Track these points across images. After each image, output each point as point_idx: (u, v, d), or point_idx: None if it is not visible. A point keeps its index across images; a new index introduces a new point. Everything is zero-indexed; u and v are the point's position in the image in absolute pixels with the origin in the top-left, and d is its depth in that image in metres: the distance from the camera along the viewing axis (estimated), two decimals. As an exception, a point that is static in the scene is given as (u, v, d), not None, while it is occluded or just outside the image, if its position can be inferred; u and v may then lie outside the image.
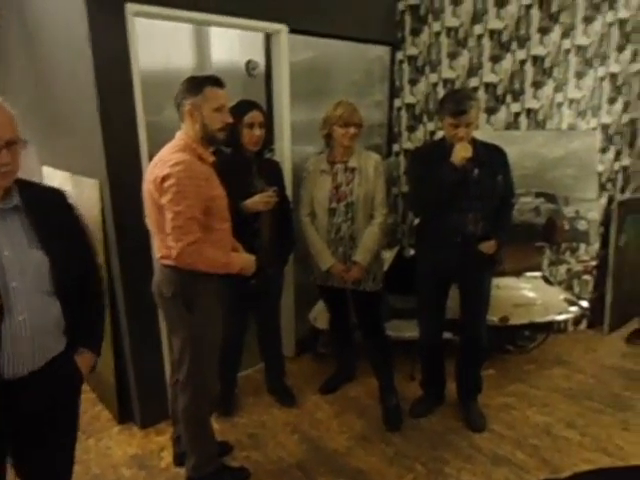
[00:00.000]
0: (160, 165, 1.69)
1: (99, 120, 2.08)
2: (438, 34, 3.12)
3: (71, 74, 2.24)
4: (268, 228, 2.31)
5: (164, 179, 1.64)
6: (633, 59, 3.12)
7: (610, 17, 2.97)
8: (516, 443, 2.35)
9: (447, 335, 2.59)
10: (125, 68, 2.11)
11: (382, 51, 3.29)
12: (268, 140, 2.37)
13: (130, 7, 2.07)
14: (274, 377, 2.70)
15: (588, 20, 2.94)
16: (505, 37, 2.98)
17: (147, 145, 2.22)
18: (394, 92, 3.37)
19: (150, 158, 1.85)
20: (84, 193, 2.38)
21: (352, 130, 2.26)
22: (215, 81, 1.74)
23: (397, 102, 3.37)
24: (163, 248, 1.76)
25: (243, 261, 1.88)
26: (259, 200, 2.18)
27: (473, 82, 3.10)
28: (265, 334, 2.62)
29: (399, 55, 3.29)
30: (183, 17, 2.27)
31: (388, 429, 2.44)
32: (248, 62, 3.46)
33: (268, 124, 2.35)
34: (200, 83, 1.72)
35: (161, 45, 2.80)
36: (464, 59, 3.09)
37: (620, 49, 3.06)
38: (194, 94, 1.71)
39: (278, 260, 2.44)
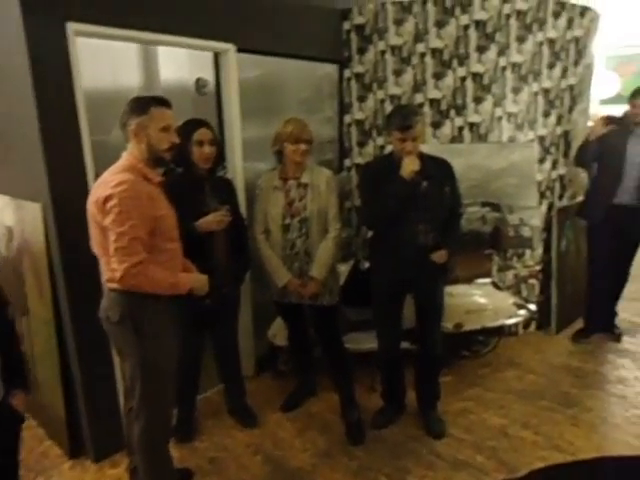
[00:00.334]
0: (103, 186, 1.65)
1: (40, 142, 2.00)
2: (383, 52, 3.23)
3: (10, 95, 2.15)
4: (222, 247, 2.28)
5: (106, 200, 1.61)
6: (563, 75, 3.34)
7: (540, 37, 3.18)
8: (475, 446, 2.41)
9: (404, 345, 2.63)
10: (68, 88, 2.05)
11: (330, 69, 3.36)
12: (220, 158, 2.36)
13: (71, 26, 2.02)
14: (234, 398, 2.65)
15: (521, 39, 3.13)
16: (446, 55, 3.13)
17: (94, 166, 2.16)
18: (344, 108, 3.45)
19: (97, 179, 1.80)
20: (26, 218, 2.28)
21: (303, 147, 2.29)
22: (161, 101, 1.73)
23: (347, 118, 3.45)
24: (108, 271, 1.71)
25: (193, 281, 1.85)
26: (212, 219, 2.16)
27: (418, 98, 3.21)
28: (223, 354, 2.57)
29: (347, 73, 3.38)
30: (128, 37, 2.25)
31: (351, 443, 2.44)
32: (197, 80, 3.45)
33: (219, 142, 2.34)
34: (146, 103, 1.70)
35: (108, 63, 2.75)
36: (409, 76, 3.20)
37: (551, 66, 3.27)
38: (140, 114, 1.69)
39: (234, 279, 2.41)
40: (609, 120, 3.26)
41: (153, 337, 1.75)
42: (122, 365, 1.91)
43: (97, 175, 1.92)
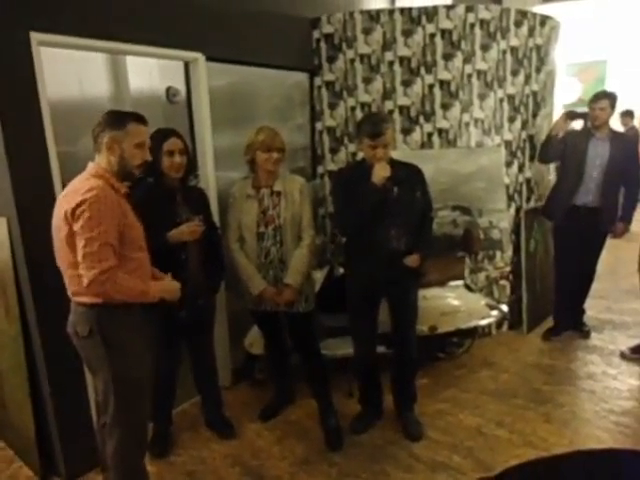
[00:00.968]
0: (72, 194, 1.63)
1: (5, 154, 1.95)
2: (353, 61, 3.28)
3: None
4: (196, 258, 2.26)
5: (77, 206, 1.58)
6: (526, 82, 3.45)
7: (503, 45, 3.28)
8: (452, 447, 2.44)
9: (380, 349, 2.65)
10: (32, 99, 2.01)
11: (301, 77, 3.39)
12: (191, 167, 2.34)
13: (35, 36, 1.98)
14: (211, 409, 2.62)
15: (485, 48, 3.22)
16: (414, 63, 3.19)
17: (61, 177, 2.11)
18: (315, 116, 3.47)
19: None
20: (-9, 232, 2.21)
21: (275, 155, 2.30)
22: (138, 117, 1.74)
23: (318, 125, 3.48)
24: (73, 285, 1.68)
25: (164, 288, 1.83)
26: (185, 230, 2.14)
27: (388, 105, 3.27)
28: (200, 366, 2.54)
29: (317, 81, 3.41)
30: (94, 46, 2.21)
31: (330, 449, 2.44)
32: (168, 89, 3.42)
33: (190, 151, 2.33)
34: (123, 118, 1.71)
35: (76, 73, 2.70)
36: (378, 84, 3.25)
37: (514, 73, 3.37)
38: (116, 128, 1.68)
39: (208, 289, 2.39)
40: (572, 115, 3.38)
41: (124, 351, 1.73)
42: (94, 380, 1.86)
43: (64, 186, 1.89)
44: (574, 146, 3.24)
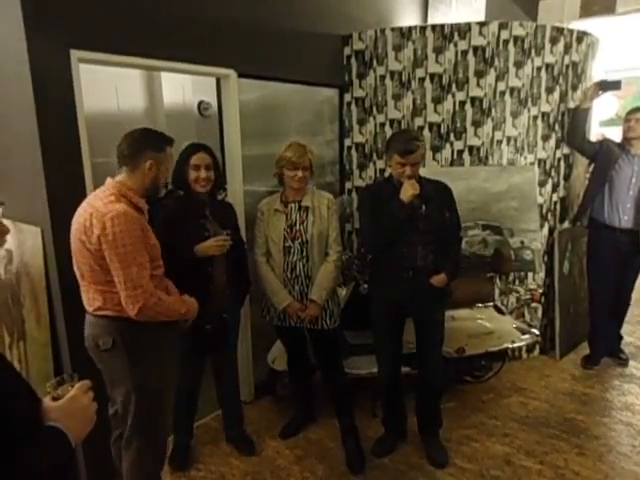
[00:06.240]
0: (96, 215, 1.62)
1: (42, 167, 2.01)
2: (383, 77, 3.27)
3: (13, 120, 2.17)
4: (222, 272, 2.27)
5: (103, 230, 1.60)
6: (562, 100, 3.36)
7: (538, 62, 3.21)
8: (478, 476, 2.35)
9: (405, 370, 2.59)
10: (70, 114, 2.07)
11: (331, 93, 3.40)
12: (220, 182, 2.36)
13: (75, 53, 2.05)
14: (232, 425, 2.60)
15: (519, 64, 3.16)
16: (445, 80, 3.16)
17: (93, 189, 2.16)
18: (344, 132, 3.47)
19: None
20: (26, 242, 2.27)
21: (300, 173, 2.28)
22: (172, 142, 1.81)
23: (347, 141, 3.47)
24: (100, 301, 1.70)
25: (191, 303, 1.89)
26: (212, 244, 2.15)
27: (418, 122, 3.24)
28: (222, 380, 2.53)
29: (347, 97, 3.41)
30: (131, 63, 2.27)
31: (351, 472, 2.39)
32: (200, 103, 3.51)
33: (219, 166, 2.35)
34: (163, 141, 1.78)
35: (112, 86, 2.79)
36: (408, 100, 3.23)
37: (549, 90, 3.29)
38: (157, 151, 1.74)
39: (233, 303, 2.39)
40: (603, 85, 3.32)
41: (146, 363, 1.74)
42: (111, 393, 1.86)
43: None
44: (605, 154, 3.21)
